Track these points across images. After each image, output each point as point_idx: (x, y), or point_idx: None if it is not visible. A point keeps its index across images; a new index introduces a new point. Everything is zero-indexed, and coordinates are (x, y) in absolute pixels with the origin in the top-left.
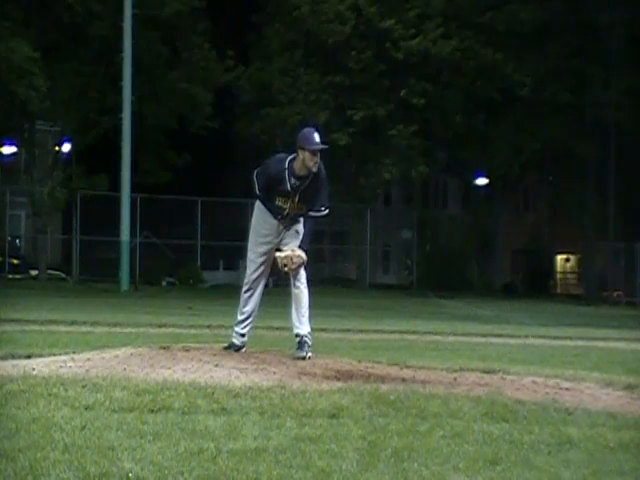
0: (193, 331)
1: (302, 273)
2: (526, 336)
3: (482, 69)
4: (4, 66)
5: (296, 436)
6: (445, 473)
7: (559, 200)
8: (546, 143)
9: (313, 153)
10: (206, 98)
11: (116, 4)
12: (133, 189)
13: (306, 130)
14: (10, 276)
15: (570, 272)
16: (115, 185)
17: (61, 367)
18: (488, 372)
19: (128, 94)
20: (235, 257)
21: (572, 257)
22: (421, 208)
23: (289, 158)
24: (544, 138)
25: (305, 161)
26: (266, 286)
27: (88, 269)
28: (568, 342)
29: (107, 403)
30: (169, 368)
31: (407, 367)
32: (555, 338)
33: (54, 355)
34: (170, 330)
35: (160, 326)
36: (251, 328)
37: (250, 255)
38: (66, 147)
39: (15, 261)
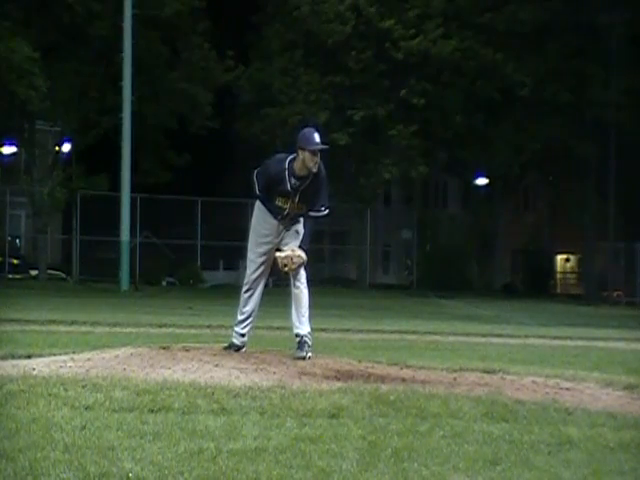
0: (193, 331)
1: (302, 273)
2: (526, 336)
3: (482, 69)
4: (4, 66)
5: (296, 436)
6: (445, 473)
7: (559, 200)
8: (546, 143)
9: (313, 153)
10: (206, 98)
11: (116, 4)
12: (133, 189)
13: (306, 130)
14: (10, 276)
15: (570, 272)
16: (115, 185)
17: (61, 367)
18: (488, 372)
19: (128, 94)
20: (235, 257)
21: (572, 257)
22: (421, 208)
23: (289, 158)
24: (544, 138)
25: (305, 161)
26: (266, 286)
27: (88, 269)
28: (568, 342)
29: (107, 403)
30: (169, 368)
31: (407, 367)
32: (555, 338)
33: (54, 355)
34: (170, 330)
35: (160, 326)
36: (251, 328)
37: (250, 255)
38: (66, 147)
39: (15, 261)
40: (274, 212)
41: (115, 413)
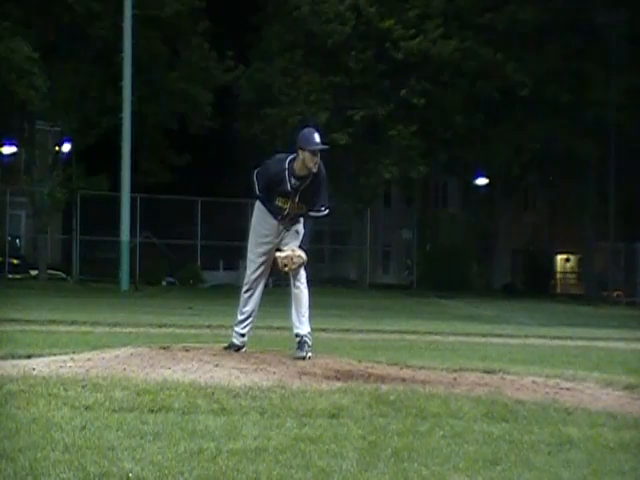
0: (193, 331)
1: (302, 273)
2: (526, 336)
3: (482, 69)
4: (4, 66)
5: (296, 436)
6: (445, 473)
7: (559, 200)
8: (546, 143)
9: (313, 153)
10: (206, 98)
11: (116, 4)
12: (133, 189)
13: (306, 130)
14: (10, 276)
15: (570, 272)
16: (115, 185)
17: (61, 367)
18: (488, 372)
19: (128, 94)
20: (235, 257)
21: (572, 257)
22: (421, 208)
23: (289, 158)
24: (544, 138)
25: (305, 161)
26: (266, 286)
27: (88, 269)
28: (568, 342)
29: (107, 403)
30: (169, 368)
31: (407, 367)
32: (555, 338)
33: (54, 355)
34: (170, 330)
35: (160, 326)
36: (251, 328)
37: (250, 255)
38: (66, 147)
39: (15, 261)
40: (274, 212)
41: (115, 413)
